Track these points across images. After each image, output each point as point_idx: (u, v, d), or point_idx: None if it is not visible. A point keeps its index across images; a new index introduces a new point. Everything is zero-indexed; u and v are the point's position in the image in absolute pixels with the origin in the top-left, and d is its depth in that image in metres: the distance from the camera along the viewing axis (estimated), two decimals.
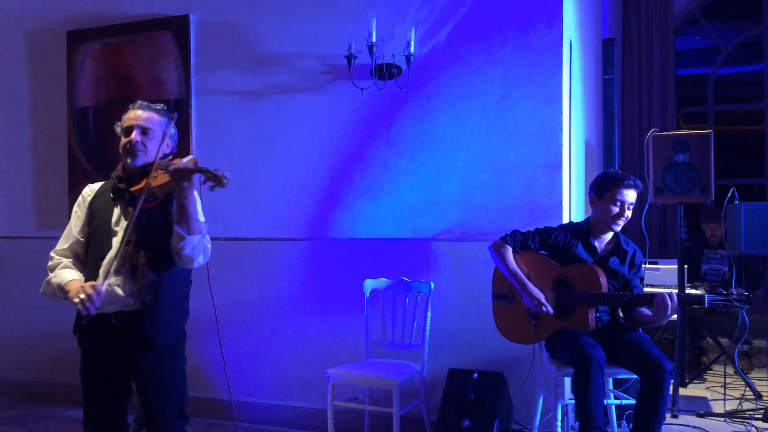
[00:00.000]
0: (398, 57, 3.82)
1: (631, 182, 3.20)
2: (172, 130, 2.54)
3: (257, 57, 4.23)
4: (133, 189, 2.39)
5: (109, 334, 2.42)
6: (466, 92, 3.83)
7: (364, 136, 4.02)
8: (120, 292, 2.37)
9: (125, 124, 2.48)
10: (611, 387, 3.45)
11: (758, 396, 4.22)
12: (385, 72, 3.83)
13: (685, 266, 4.29)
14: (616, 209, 3.19)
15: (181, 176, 2.27)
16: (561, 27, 3.67)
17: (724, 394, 4.22)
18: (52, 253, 2.52)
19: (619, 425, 3.57)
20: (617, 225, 3.22)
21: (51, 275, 2.46)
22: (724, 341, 4.65)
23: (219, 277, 4.27)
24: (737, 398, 4.18)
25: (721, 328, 4.99)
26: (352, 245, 4.03)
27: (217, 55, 4.33)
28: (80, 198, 2.57)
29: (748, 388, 4.18)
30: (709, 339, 5.05)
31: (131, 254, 2.36)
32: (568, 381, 3.34)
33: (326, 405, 3.53)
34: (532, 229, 3.34)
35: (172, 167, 2.31)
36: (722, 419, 3.90)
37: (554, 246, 3.28)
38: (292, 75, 4.16)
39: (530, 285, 3.18)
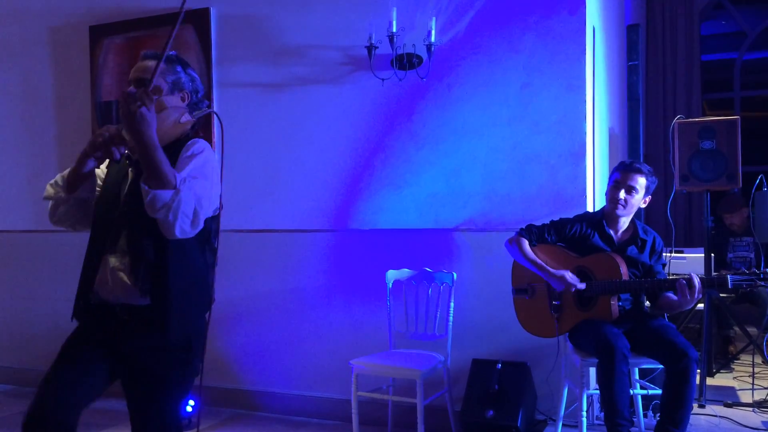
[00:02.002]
0: (419, 47, 3.80)
1: (628, 164, 3.21)
2: (182, 77, 2.12)
3: (277, 49, 4.23)
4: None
5: (114, 324, 2.06)
6: (488, 81, 3.80)
7: (385, 127, 4.01)
8: (125, 277, 2.01)
9: (130, 76, 2.08)
10: (637, 377, 3.42)
11: None
12: (406, 62, 3.82)
13: (712, 254, 4.24)
14: (615, 191, 3.18)
15: (121, 111, 1.83)
16: (584, 13, 3.62)
17: (752, 384, 4.16)
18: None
19: (645, 415, 3.54)
20: (617, 208, 3.18)
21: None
22: (751, 330, 4.58)
23: (242, 268, 4.31)
24: (765, 388, 4.12)
25: (749, 317, 4.92)
26: (375, 236, 4.03)
27: (237, 47, 4.34)
28: None
29: None
30: (736, 328, 4.98)
31: (129, 227, 2.00)
32: (593, 371, 3.32)
33: (350, 395, 3.54)
34: (549, 221, 3.34)
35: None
36: (750, 409, 3.85)
37: (570, 237, 3.26)
38: (313, 66, 4.16)
39: (551, 269, 3.16)
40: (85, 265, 2.12)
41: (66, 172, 2.11)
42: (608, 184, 3.26)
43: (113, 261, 2.03)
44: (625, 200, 3.17)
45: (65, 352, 2.10)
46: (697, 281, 2.94)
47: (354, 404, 3.53)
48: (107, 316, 2.06)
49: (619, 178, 3.19)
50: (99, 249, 2.07)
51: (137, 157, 1.92)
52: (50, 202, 2.16)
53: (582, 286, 3.10)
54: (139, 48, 4.59)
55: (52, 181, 2.14)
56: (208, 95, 4.37)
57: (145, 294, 2.00)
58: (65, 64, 4.88)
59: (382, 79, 3.89)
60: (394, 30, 3.72)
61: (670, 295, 3.10)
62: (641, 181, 3.19)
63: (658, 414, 3.02)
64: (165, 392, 2.07)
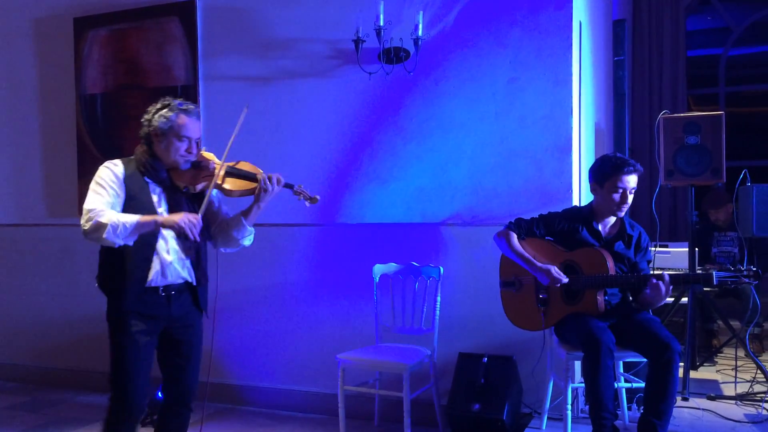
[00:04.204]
0: (406, 41, 3.79)
1: (631, 168, 3.14)
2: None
3: (264, 42, 4.21)
4: (182, 184, 2.65)
5: (164, 305, 2.62)
6: (475, 76, 3.80)
7: (372, 121, 4.00)
8: (181, 269, 2.63)
9: (183, 132, 2.59)
10: (621, 370, 3.45)
11: None
12: (393, 56, 3.81)
13: (696, 249, 4.27)
14: (618, 197, 3.15)
15: (272, 188, 2.80)
16: (570, 8, 3.63)
17: (735, 377, 4.20)
18: (90, 207, 2.45)
19: (629, 408, 3.57)
20: (621, 212, 3.21)
21: (102, 218, 2.40)
22: (735, 324, 4.62)
23: (229, 263, 4.28)
24: (748, 381, 4.16)
25: (732, 311, 4.97)
26: (362, 230, 4.03)
27: (224, 40, 4.32)
28: (111, 173, 2.55)
29: (759, 371, 4.16)
30: (719, 322, 5.03)
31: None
32: (578, 364, 3.34)
33: (337, 389, 3.55)
34: (538, 215, 3.34)
35: (265, 180, 2.77)
36: (733, 402, 3.89)
37: (559, 231, 3.28)
38: (300, 60, 4.14)
39: (538, 263, 3.17)
40: (138, 264, 2.57)
41: (142, 219, 2.50)
42: (605, 186, 3.17)
43: (174, 257, 2.62)
44: (629, 203, 3.21)
45: (135, 354, 2.61)
46: (666, 278, 3.00)
47: (340, 398, 3.54)
48: (155, 295, 2.59)
49: (624, 185, 3.14)
50: (147, 249, 2.57)
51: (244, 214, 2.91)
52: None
53: (566, 280, 3.12)
54: (124, 40, 4.55)
55: (113, 222, 2.44)
56: (195, 89, 4.35)
57: (192, 277, 2.68)
58: (49, 57, 4.83)
59: (370, 73, 3.88)
60: (382, 24, 3.71)
61: (648, 291, 3.11)
62: (637, 180, 3.22)
63: (642, 407, 3.04)
64: (199, 347, 2.78)
